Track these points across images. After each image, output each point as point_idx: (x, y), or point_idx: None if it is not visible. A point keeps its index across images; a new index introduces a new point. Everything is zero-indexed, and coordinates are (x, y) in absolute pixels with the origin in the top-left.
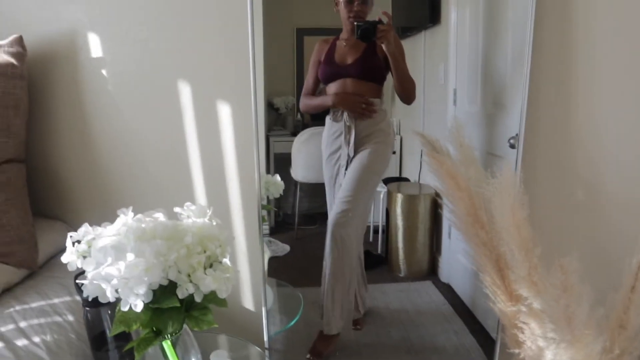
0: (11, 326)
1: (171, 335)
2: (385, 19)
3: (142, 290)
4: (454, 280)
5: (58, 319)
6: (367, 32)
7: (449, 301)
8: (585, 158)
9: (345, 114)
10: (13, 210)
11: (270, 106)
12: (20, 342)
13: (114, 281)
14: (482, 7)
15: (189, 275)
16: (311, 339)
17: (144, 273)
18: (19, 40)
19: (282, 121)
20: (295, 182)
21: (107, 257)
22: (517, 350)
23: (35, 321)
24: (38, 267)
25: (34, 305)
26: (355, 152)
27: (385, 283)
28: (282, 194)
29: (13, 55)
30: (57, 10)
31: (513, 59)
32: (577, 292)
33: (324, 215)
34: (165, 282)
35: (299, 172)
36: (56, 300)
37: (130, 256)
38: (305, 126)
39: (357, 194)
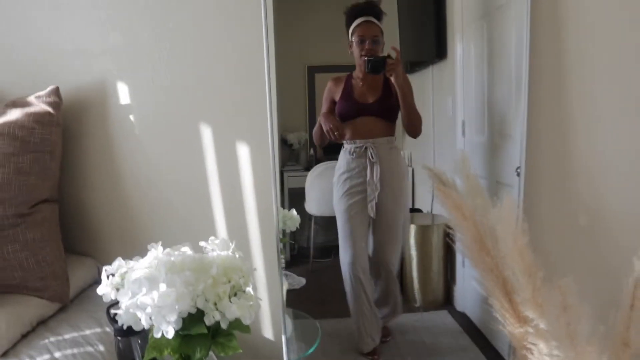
0: (46, 356)
1: None
2: (393, 54)
3: (173, 317)
4: (469, 309)
5: (90, 349)
6: (376, 65)
7: (465, 329)
8: (586, 183)
9: (370, 150)
10: (48, 247)
11: (283, 142)
12: None
13: (148, 309)
14: (486, 40)
15: (215, 304)
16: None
17: (175, 302)
18: (56, 91)
19: (296, 156)
20: (310, 216)
21: (142, 288)
22: None
23: (69, 351)
24: (69, 300)
25: (67, 336)
26: (381, 189)
27: None
28: (298, 227)
29: (50, 104)
30: (89, 62)
31: (517, 90)
32: (576, 311)
33: (338, 249)
34: (193, 311)
35: (313, 205)
36: (87, 332)
37: (163, 286)
38: (318, 161)
39: (399, 233)
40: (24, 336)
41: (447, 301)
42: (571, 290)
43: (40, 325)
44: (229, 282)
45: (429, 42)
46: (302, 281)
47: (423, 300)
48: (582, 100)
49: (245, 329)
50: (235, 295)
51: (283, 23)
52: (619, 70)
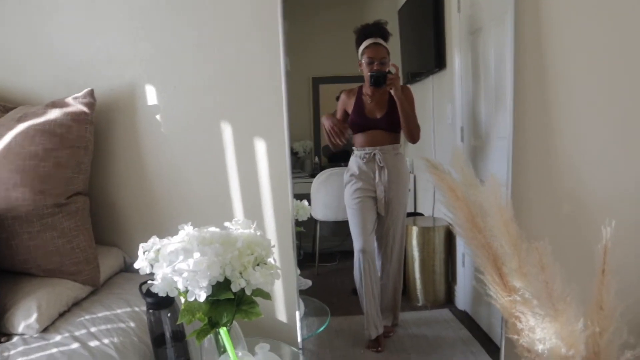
0: (84, 331)
1: (225, 325)
2: (393, 70)
3: (205, 282)
4: (470, 307)
5: (122, 325)
6: (379, 79)
7: (466, 325)
8: (570, 174)
9: (378, 156)
10: (81, 235)
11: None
12: (93, 343)
13: (184, 274)
14: (482, 51)
15: (240, 273)
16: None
17: (207, 269)
18: (91, 93)
19: (301, 164)
20: (315, 221)
21: (179, 257)
22: (516, 336)
23: (103, 327)
24: (100, 285)
25: (100, 315)
26: (388, 189)
27: (403, 312)
28: (303, 230)
29: (86, 105)
30: (121, 69)
31: (504, 95)
32: (551, 270)
33: (343, 253)
34: (221, 279)
35: (318, 211)
36: (119, 311)
37: (197, 254)
38: (322, 168)
39: (402, 228)
40: (61, 315)
41: (448, 300)
42: (547, 251)
43: (75, 306)
44: (252, 254)
45: (429, 54)
46: (309, 283)
47: (425, 300)
48: (563, 103)
49: (266, 295)
50: (258, 265)
51: (288, 35)
52: (598, 74)
